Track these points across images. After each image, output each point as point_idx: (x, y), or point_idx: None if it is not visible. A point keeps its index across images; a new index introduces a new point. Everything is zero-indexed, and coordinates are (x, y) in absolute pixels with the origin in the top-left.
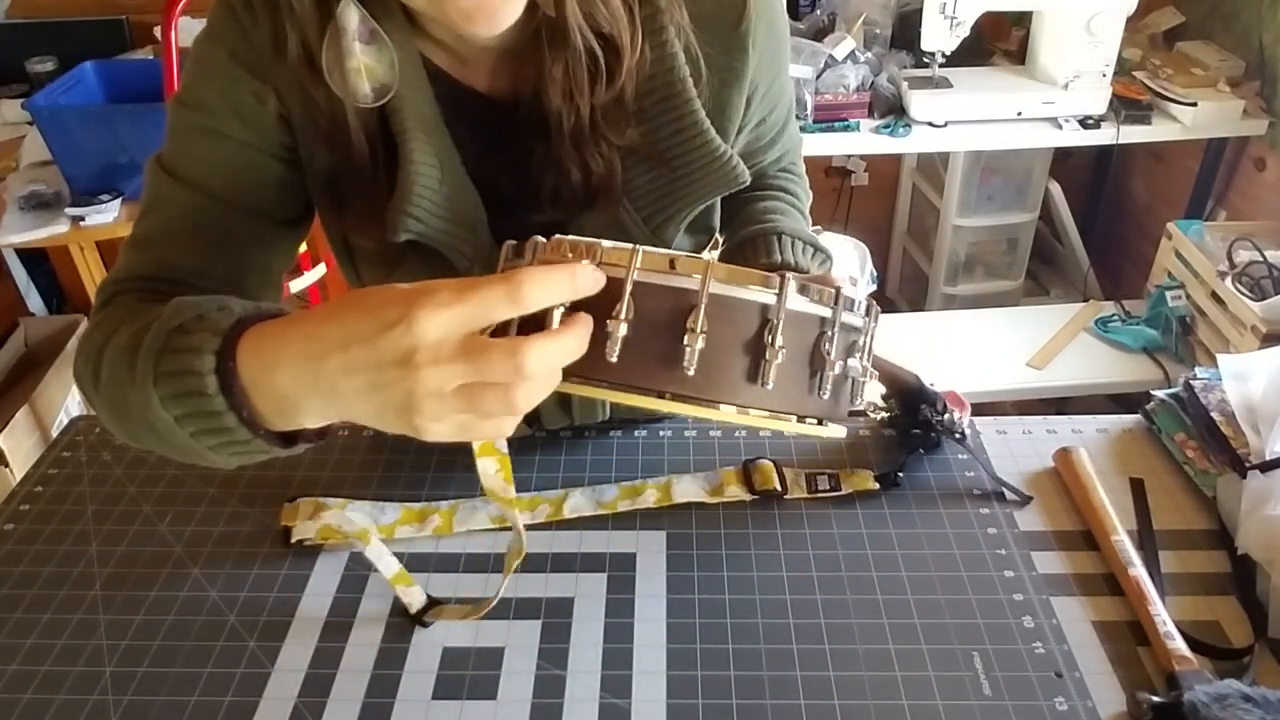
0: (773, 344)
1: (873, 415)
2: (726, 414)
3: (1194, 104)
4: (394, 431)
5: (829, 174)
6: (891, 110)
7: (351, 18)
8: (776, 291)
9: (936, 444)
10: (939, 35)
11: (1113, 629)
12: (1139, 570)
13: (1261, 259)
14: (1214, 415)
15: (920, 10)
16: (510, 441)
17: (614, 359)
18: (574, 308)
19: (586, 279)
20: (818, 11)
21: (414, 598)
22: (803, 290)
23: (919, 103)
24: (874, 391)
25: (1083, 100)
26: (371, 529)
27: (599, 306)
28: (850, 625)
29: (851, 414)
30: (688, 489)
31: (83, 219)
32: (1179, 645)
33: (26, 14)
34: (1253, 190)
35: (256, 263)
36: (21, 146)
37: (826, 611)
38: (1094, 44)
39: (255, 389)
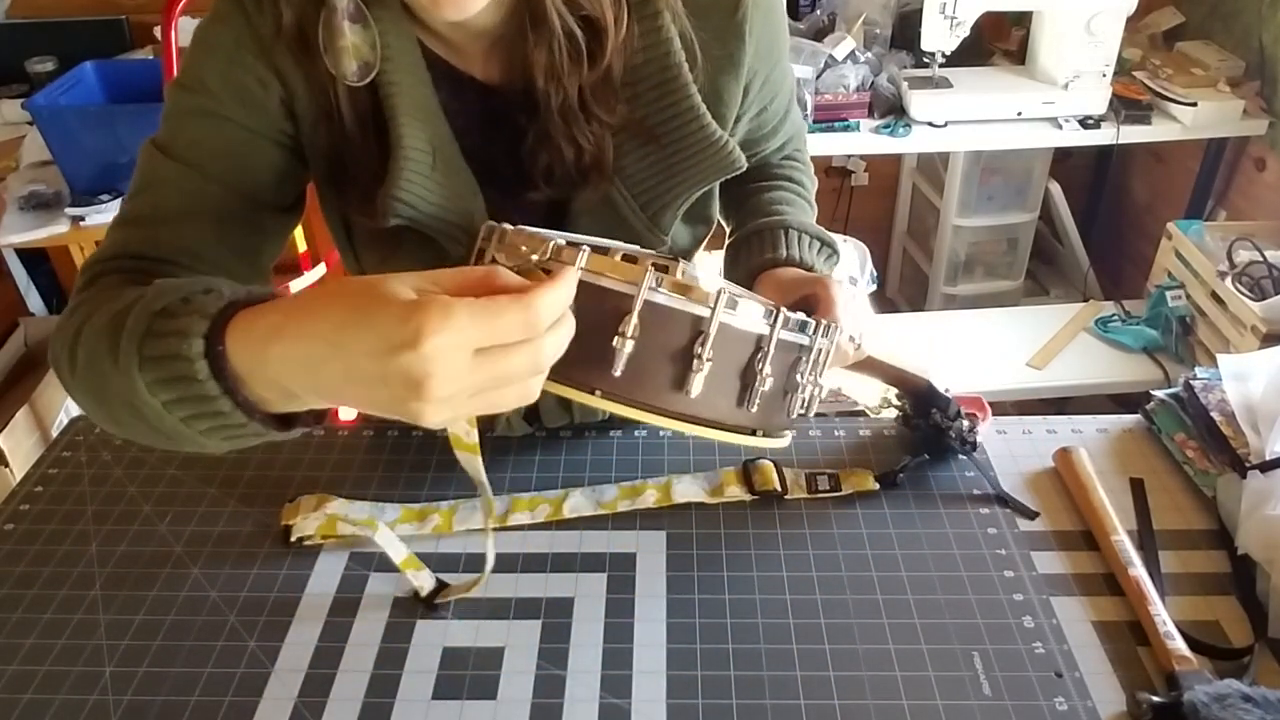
0: (701, 355)
1: (872, 415)
2: (651, 419)
3: (1194, 104)
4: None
5: (829, 174)
6: (891, 110)
7: None
8: (711, 306)
9: (946, 451)
10: (939, 35)
11: (1113, 629)
12: (1139, 570)
13: (1261, 259)
14: (1214, 415)
15: (920, 10)
16: (510, 441)
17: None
18: None
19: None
20: (818, 11)
21: (424, 581)
22: (733, 306)
23: (919, 103)
24: (829, 401)
25: (1083, 100)
26: (378, 517)
27: None
28: (850, 625)
29: (818, 415)
30: (688, 489)
31: (83, 219)
32: (1179, 645)
33: (26, 14)
34: (1253, 190)
35: (248, 246)
36: (21, 146)
37: (826, 611)
38: (1094, 44)
39: (250, 377)
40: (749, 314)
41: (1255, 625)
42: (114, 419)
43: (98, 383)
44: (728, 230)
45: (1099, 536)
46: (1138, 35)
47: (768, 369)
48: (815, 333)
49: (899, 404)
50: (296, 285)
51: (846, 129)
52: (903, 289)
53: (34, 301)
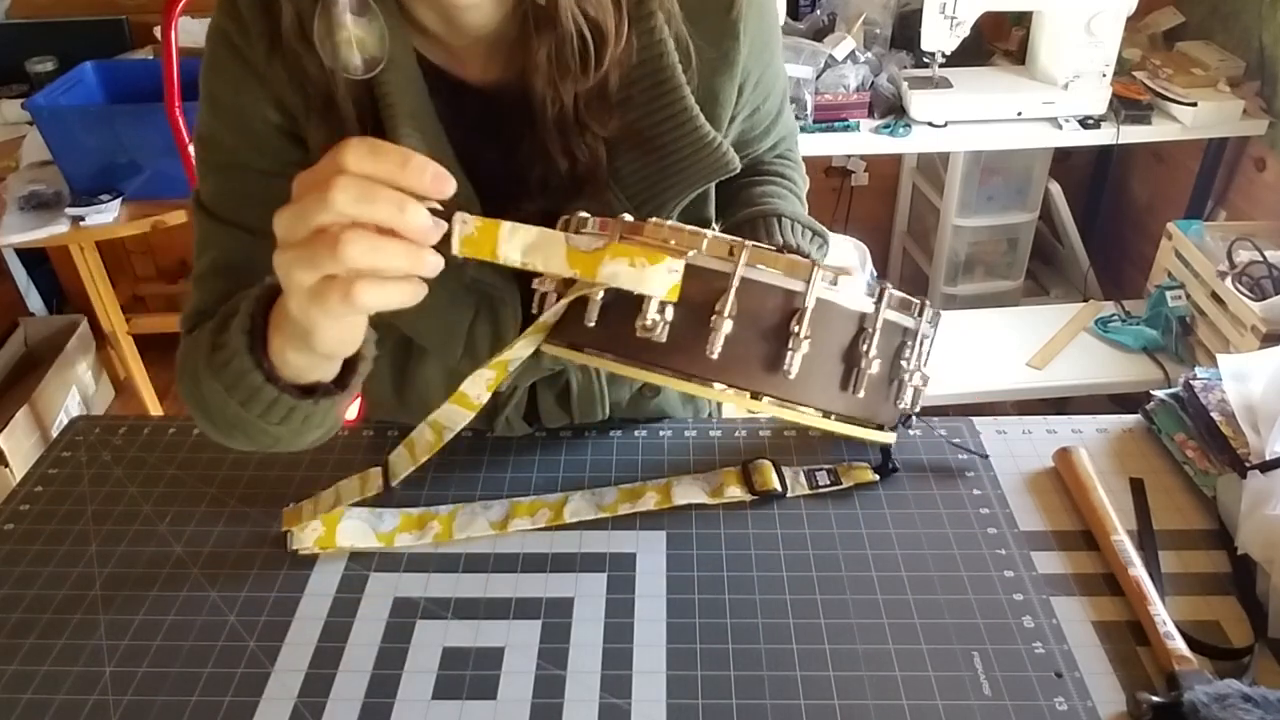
0: (798, 334)
1: None
2: (757, 406)
3: (1194, 104)
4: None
5: (829, 174)
6: (891, 110)
7: None
8: (806, 279)
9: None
10: (939, 35)
11: (1113, 629)
12: (1139, 570)
13: (1261, 259)
14: (1214, 415)
15: (920, 10)
16: (510, 441)
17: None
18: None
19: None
20: (818, 11)
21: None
22: (832, 280)
23: (919, 103)
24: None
25: (1083, 100)
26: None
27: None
28: (850, 625)
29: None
30: (688, 491)
31: (83, 219)
32: (1179, 645)
33: (26, 14)
34: (1253, 190)
35: None
36: (21, 146)
37: (826, 611)
38: (1094, 44)
39: (277, 358)
40: (851, 290)
41: (1255, 625)
42: (227, 434)
43: (209, 406)
44: (718, 225)
45: (1099, 536)
46: (1138, 35)
47: (873, 350)
48: (920, 315)
49: None
50: None
51: (846, 129)
52: (902, 289)
53: (34, 301)
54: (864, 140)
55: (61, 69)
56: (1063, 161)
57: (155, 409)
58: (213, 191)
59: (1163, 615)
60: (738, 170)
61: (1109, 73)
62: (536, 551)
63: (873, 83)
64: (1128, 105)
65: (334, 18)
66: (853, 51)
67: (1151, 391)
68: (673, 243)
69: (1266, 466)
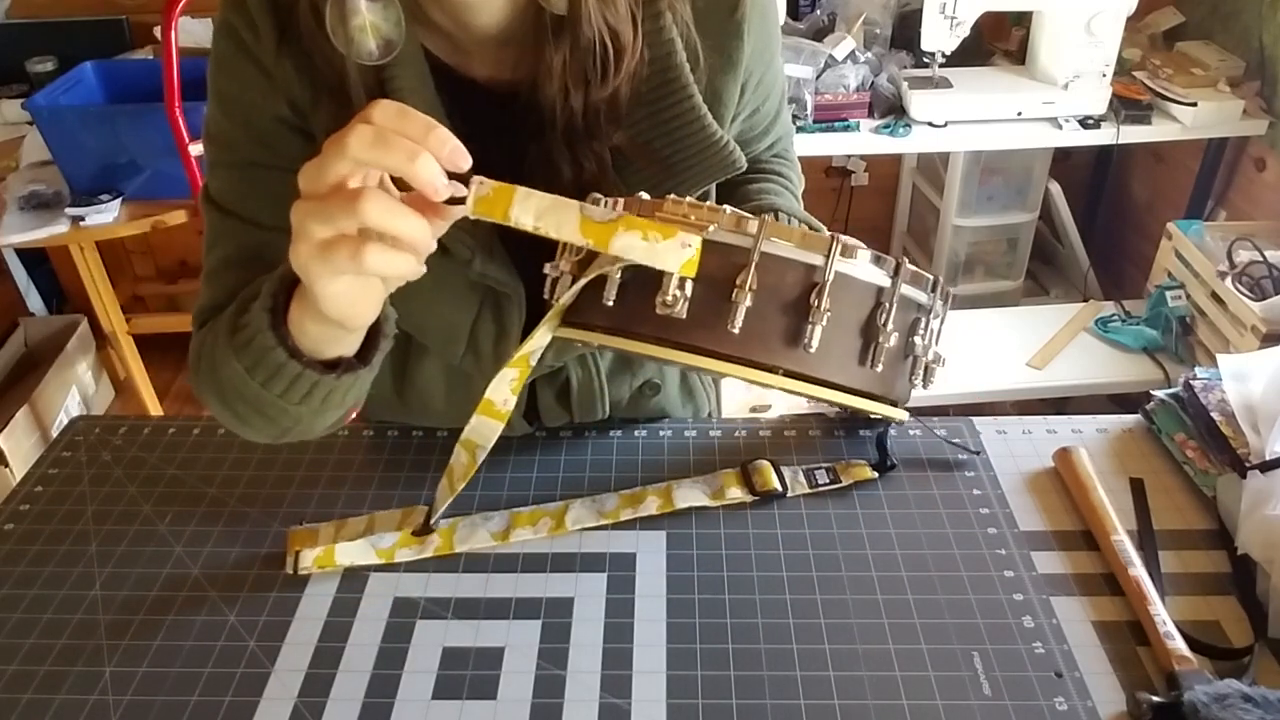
0: (819, 307)
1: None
2: (775, 381)
3: (1194, 104)
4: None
5: (829, 174)
6: (891, 110)
7: None
8: (824, 253)
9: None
10: (939, 35)
11: (1113, 629)
12: (1139, 570)
13: (1261, 259)
14: (1214, 415)
15: (920, 10)
16: (510, 441)
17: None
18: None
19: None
20: (818, 11)
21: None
22: (849, 254)
23: (919, 103)
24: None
25: (1083, 100)
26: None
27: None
28: (850, 625)
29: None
30: (689, 494)
31: (83, 219)
32: (1179, 645)
33: (26, 14)
34: (1253, 190)
35: None
36: (21, 146)
37: (826, 611)
38: (1094, 44)
39: (297, 328)
40: (867, 264)
41: (1255, 625)
42: (244, 419)
43: (225, 390)
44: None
45: (1099, 536)
46: (1138, 35)
47: (891, 324)
48: (934, 291)
49: None
50: None
51: (846, 129)
52: None
53: (34, 301)
54: (864, 140)
55: (61, 69)
56: (1063, 161)
57: (155, 409)
58: (222, 187)
59: (1163, 615)
60: (744, 169)
61: (1109, 73)
62: (536, 552)
63: (873, 83)
64: (1128, 105)
65: (347, 5)
66: (853, 51)
67: (1151, 391)
68: (692, 218)
69: (1266, 466)
